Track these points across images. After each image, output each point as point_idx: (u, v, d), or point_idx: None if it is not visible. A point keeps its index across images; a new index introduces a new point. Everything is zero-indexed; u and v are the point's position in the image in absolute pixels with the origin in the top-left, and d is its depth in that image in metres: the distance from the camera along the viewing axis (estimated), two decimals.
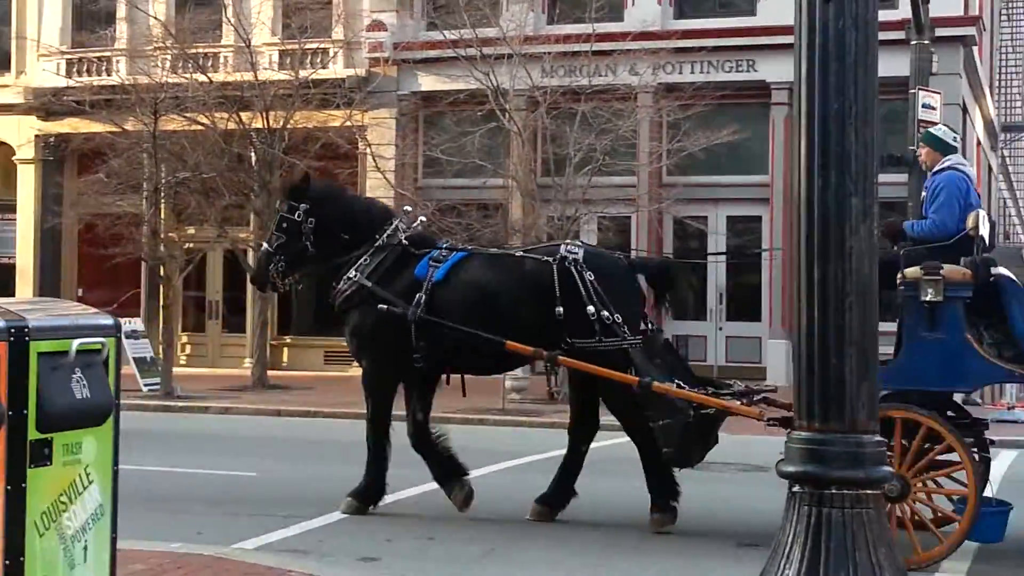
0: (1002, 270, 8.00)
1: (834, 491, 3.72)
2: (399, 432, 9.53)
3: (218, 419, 17.00)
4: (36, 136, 25.79)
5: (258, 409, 17.99)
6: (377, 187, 22.77)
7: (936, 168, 8.49)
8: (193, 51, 22.77)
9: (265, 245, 10.01)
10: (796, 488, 3.79)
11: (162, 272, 21.79)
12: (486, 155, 21.59)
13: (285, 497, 10.17)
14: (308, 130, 22.22)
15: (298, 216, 9.60)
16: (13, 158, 26.22)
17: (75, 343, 4.91)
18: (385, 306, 9.15)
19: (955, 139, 8.69)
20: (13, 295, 24.75)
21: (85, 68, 25.29)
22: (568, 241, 10.06)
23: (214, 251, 25.44)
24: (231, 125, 21.76)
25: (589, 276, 8.94)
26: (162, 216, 22.74)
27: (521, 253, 9.53)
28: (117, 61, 24.82)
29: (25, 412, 4.66)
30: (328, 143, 22.42)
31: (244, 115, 21.70)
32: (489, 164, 21.37)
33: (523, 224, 20.65)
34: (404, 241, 9.49)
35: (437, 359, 9.34)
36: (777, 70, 21.75)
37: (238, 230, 22.94)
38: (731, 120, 21.06)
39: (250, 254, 21.31)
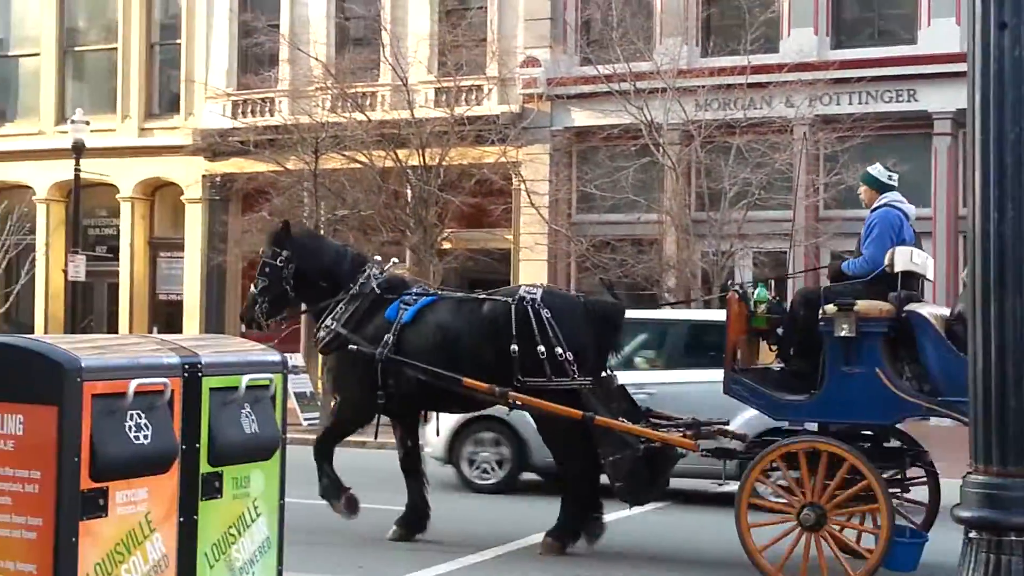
0: (916, 306, 8.13)
1: (1013, 538, 3.57)
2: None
3: (375, 454, 17.20)
4: (203, 176, 26.63)
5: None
6: (531, 223, 22.91)
7: (873, 206, 8.72)
8: (352, 91, 23.28)
9: (252, 288, 10.57)
10: (973, 534, 3.66)
11: None
12: (640, 190, 21.53)
13: (442, 532, 10.22)
14: (463, 166, 22.48)
15: (280, 262, 10.25)
16: (181, 198, 27.12)
17: (245, 379, 5.04)
18: (355, 347, 9.80)
19: (890, 177, 8.88)
20: (180, 331, 25.55)
21: (250, 109, 26.05)
22: (531, 284, 10.38)
23: None
24: (388, 163, 22.15)
25: (546, 314, 9.30)
26: None
27: (484, 295, 9.96)
28: (280, 102, 25.51)
29: (197, 446, 4.80)
30: (483, 179, 22.65)
31: (401, 152, 22.07)
32: (643, 199, 21.31)
33: (677, 259, 20.50)
34: (376, 288, 10.06)
35: (405, 397, 9.88)
36: (940, 99, 21.19)
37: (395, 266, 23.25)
38: (891, 152, 20.55)
39: None
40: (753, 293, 8.88)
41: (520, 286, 10.18)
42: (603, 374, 9.61)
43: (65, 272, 25.79)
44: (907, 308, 8.12)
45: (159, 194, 28.04)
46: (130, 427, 4.52)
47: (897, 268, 8.20)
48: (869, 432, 8.71)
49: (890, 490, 8.24)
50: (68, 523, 4.28)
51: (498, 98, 24.00)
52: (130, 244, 27.53)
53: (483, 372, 9.33)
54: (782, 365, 8.86)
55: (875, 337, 8.02)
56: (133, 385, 4.54)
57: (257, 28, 25.11)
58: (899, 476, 8.77)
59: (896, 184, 8.92)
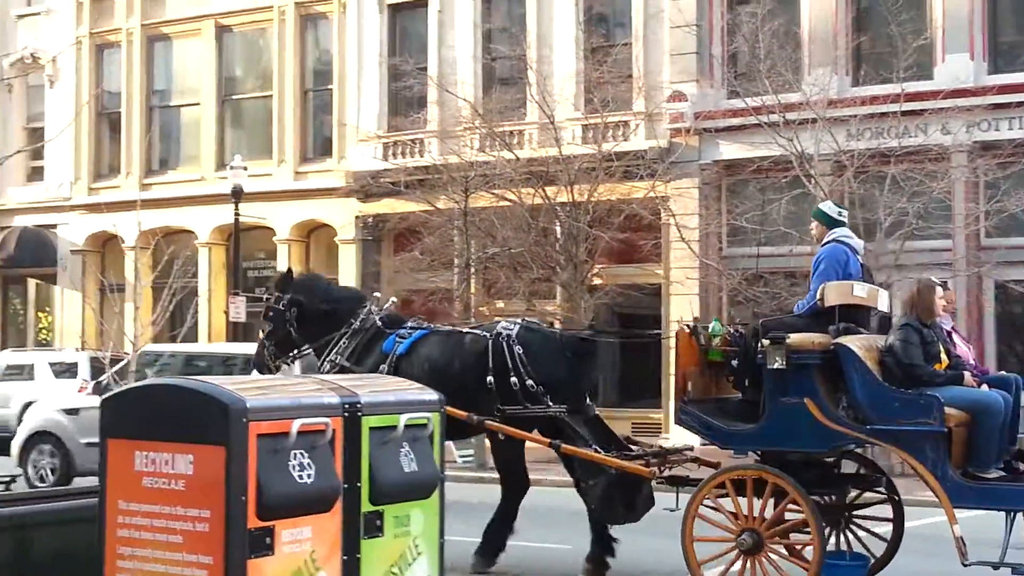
0: (848, 339, 8.31)
1: None
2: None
3: (529, 491, 17.17)
4: (356, 217, 27.13)
5: (567, 481, 18.08)
6: (682, 257, 22.74)
7: (823, 241, 9.02)
8: (500, 129, 23.50)
9: (260, 333, 11.28)
10: None
11: None
12: (792, 222, 21.19)
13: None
14: (612, 202, 22.48)
15: (282, 306, 10.93)
16: (335, 239, 27.69)
17: (403, 418, 5.10)
18: None
19: (840, 213, 9.24)
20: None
21: (400, 151, 26.49)
22: (509, 319, 10.97)
23: None
24: (537, 200, 22.26)
25: (518, 350, 9.97)
26: (472, 291, 23.43)
27: (467, 330, 10.67)
28: (429, 143, 25.88)
29: (359, 485, 4.86)
30: (632, 215, 22.60)
31: (549, 190, 22.17)
32: (795, 231, 20.97)
33: None
34: (378, 323, 10.68)
35: None
36: None
37: (545, 303, 23.35)
38: None
39: (556, 326, 21.62)
40: (708, 328, 9.19)
41: (499, 322, 10.79)
42: (585, 403, 10.23)
43: (226, 313, 26.50)
44: (836, 340, 8.32)
45: (314, 235, 28.68)
46: (293, 466, 4.61)
47: (828, 302, 8.54)
48: (820, 459, 8.94)
49: (855, 513, 9.08)
50: (237, 561, 4.37)
51: (645, 133, 23.95)
52: None
53: (466, 401, 9.74)
54: (739, 396, 9.16)
55: (807, 369, 8.27)
56: (296, 425, 4.63)
57: (406, 72, 25.56)
58: (840, 502, 9.17)
59: (846, 220, 9.29)
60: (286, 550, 4.53)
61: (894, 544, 9.14)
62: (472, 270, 23.15)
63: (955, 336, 9.20)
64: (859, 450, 9.23)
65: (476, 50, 26.10)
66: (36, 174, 31.51)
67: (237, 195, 25.82)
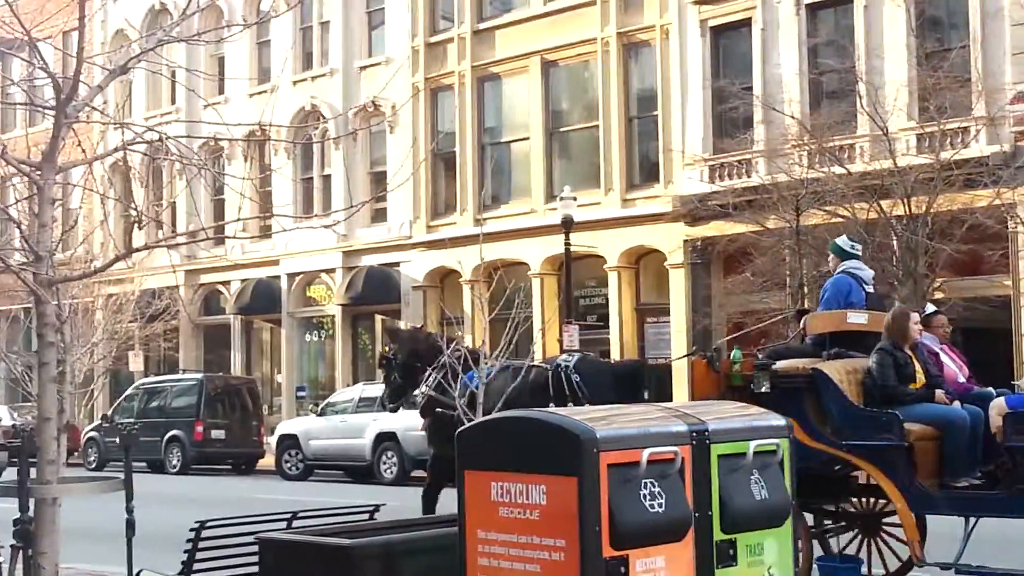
0: (829, 363, 9.07)
1: None
2: None
3: None
4: (684, 241, 27.09)
5: None
6: None
7: (835, 273, 9.97)
8: (829, 145, 22.92)
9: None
10: None
11: None
12: None
13: None
14: (952, 212, 21.45)
15: (391, 355, 13.28)
16: (664, 264, 27.74)
17: (752, 444, 5.02)
18: (440, 408, 11.95)
19: (852, 247, 10.18)
20: (670, 397, 25.90)
21: (727, 173, 26.29)
22: (570, 351, 13.19)
23: None
24: (871, 214, 21.55)
25: (576, 378, 11.74)
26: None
27: (533, 364, 12.23)
28: (756, 163, 25.55)
29: (710, 513, 4.82)
30: (975, 224, 21.48)
31: (884, 203, 21.41)
32: None
33: None
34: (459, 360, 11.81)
35: None
36: None
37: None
38: None
39: None
40: (728, 355, 9.78)
41: (560, 355, 12.58)
42: None
43: (560, 342, 27.00)
44: (814, 366, 9.05)
45: (643, 261, 28.84)
46: (644, 496, 4.62)
47: (811, 331, 9.53)
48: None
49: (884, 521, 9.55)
50: None
51: (987, 139, 22.76)
52: (618, 311, 28.47)
53: None
54: None
55: (794, 392, 8.97)
56: (646, 454, 4.64)
57: (731, 92, 25.37)
58: (869, 511, 9.71)
59: (859, 252, 10.28)
60: None
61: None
62: (806, 289, 22.61)
63: (945, 355, 9.67)
64: None
65: (802, 65, 25.60)
66: (380, 215, 33.23)
67: (567, 225, 26.32)
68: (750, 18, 26.54)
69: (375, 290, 32.57)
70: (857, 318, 9.42)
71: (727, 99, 25.67)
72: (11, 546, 6.10)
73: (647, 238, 28.00)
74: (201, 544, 7.11)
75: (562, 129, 30.58)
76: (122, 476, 6.80)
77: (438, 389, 11.96)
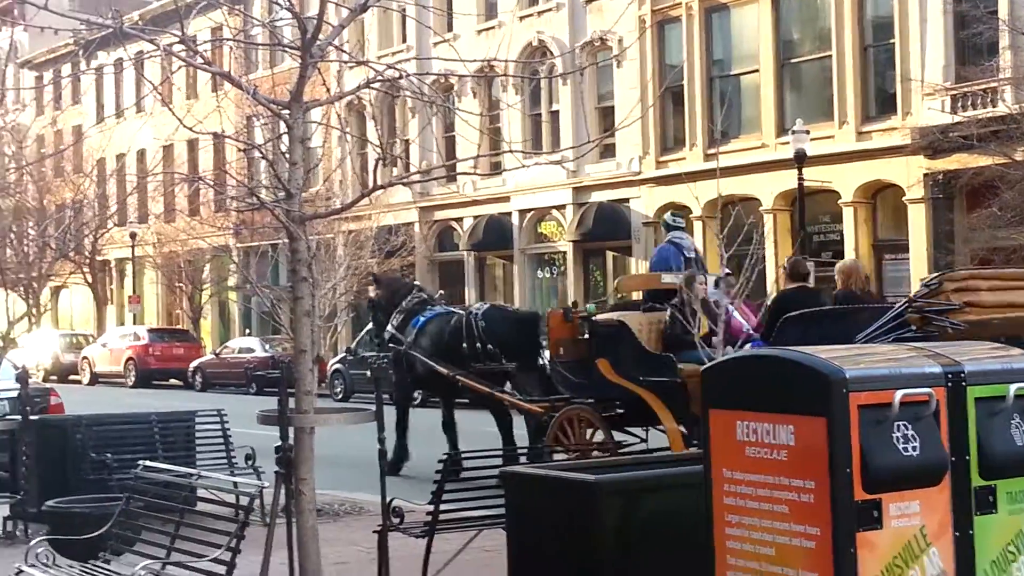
0: (625, 315, 11.90)
1: None
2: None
3: None
4: (924, 175, 26.05)
5: None
6: None
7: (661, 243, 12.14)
8: None
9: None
10: None
11: None
12: None
13: None
14: None
15: (374, 298, 16.17)
16: (903, 199, 26.78)
17: (1012, 387, 4.80)
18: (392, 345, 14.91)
19: (675, 220, 12.83)
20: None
21: (970, 103, 25.08)
22: (484, 302, 16.99)
23: None
24: None
25: (481, 324, 13.91)
26: None
27: (457, 310, 15.07)
28: (1002, 91, 24.29)
29: (967, 458, 4.65)
30: None
31: None
32: None
33: None
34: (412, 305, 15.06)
35: (419, 380, 14.99)
36: None
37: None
38: None
39: None
40: (583, 308, 12.25)
41: (474, 304, 16.18)
42: (538, 364, 13.66)
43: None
44: (618, 317, 11.63)
45: (880, 196, 27.90)
46: (897, 438, 4.48)
47: (622, 290, 12.43)
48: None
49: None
50: (845, 533, 4.33)
51: None
52: (854, 248, 27.65)
53: (452, 362, 13.87)
54: None
55: (608, 338, 11.38)
56: (898, 395, 4.49)
57: (974, 17, 24.14)
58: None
59: (682, 224, 12.87)
60: (895, 524, 4.42)
61: None
62: None
63: (738, 312, 11.06)
64: None
65: None
66: (608, 151, 33.10)
67: (800, 160, 25.69)
68: None
69: (605, 226, 32.57)
70: (670, 278, 11.52)
71: (970, 24, 24.43)
72: (275, 472, 6.39)
73: (884, 172, 27.05)
74: (449, 477, 7.32)
75: (793, 60, 29.73)
76: (373, 408, 7.01)
77: (399, 328, 14.76)
